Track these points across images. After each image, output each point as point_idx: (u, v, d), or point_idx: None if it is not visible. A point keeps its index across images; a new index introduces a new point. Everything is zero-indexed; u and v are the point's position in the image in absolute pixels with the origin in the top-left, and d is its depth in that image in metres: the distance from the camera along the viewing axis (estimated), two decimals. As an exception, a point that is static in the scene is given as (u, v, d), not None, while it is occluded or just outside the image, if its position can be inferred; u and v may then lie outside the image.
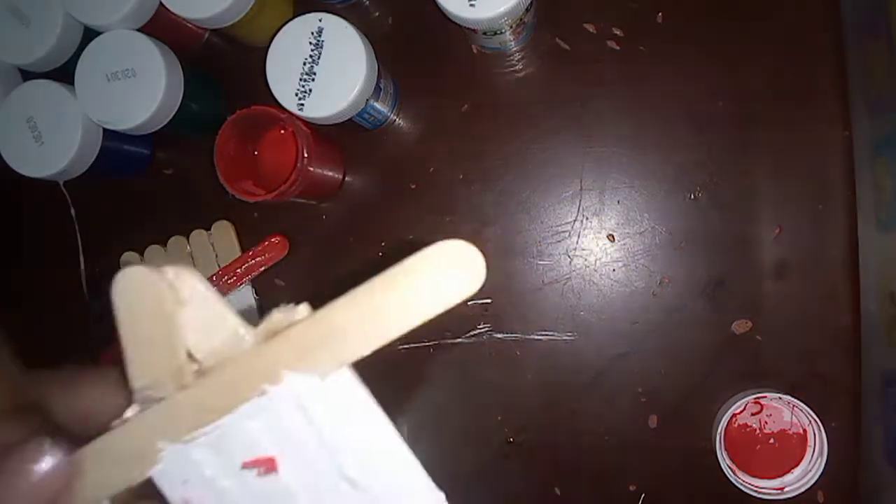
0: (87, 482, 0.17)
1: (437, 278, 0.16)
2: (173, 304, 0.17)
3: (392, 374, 0.49)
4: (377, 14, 0.52)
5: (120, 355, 0.18)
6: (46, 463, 0.17)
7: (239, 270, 0.51)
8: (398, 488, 0.17)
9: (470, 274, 0.16)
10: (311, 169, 0.45)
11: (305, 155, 0.44)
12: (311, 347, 0.16)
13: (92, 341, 0.53)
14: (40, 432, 0.17)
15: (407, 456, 0.17)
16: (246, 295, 0.52)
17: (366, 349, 0.16)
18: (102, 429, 0.18)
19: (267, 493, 0.17)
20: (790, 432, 0.45)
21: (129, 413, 0.18)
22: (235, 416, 0.17)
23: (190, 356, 0.17)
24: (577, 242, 0.49)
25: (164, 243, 0.53)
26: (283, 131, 0.49)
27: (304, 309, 0.17)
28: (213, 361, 0.17)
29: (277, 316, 0.17)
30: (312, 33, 0.43)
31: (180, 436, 0.17)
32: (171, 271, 0.17)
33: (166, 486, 0.18)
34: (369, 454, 0.17)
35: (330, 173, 0.50)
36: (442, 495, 0.17)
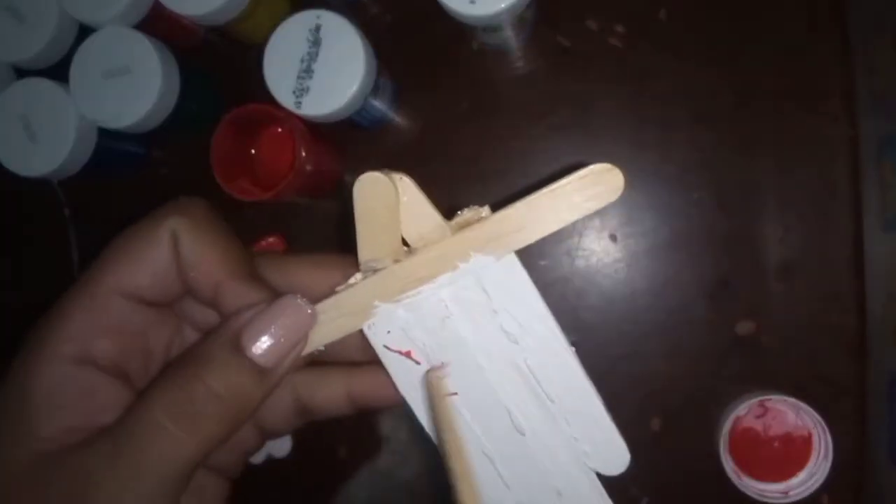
0: (315, 330, 0.23)
1: (584, 191, 0.23)
2: (396, 201, 0.22)
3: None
4: (376, 11, 0.51)
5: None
6: (300, 312, 0.23)
7: (236, 271, 0.51)
8: (543, 342, 0.24)
9: (610, 189, 0.23)
10: (309, 168, 0.45)
11: (303, 154, 0.43)
12: (492, 237, 0.23)
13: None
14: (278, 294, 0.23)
15: (547, 317, 0.23)
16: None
17: (529, 240, 0.23)
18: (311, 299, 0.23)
19: (446, 339, 0.24)
20: (795, 435, 0.44)
21: (353, 280, 0.24)
22: (432, 286, 0.23)
23: (403, 240, 0.23)
24: (578, 243, 0.48)
25: (160, 243, 0.52)
26: (279, 129, 0.49)
27: (487, 210, 0.23)
28: (420, 244, 0.23)
29: (468, 214, 0.23)
30: (310, 30, 0.42)
31: (391, 297, 0.23)
32: (396, 176, 0.23)
33: (372, 336, 0.24)
34: (522, 314, 0.23)
35: (328, 172, 0.49)
36: (572, 349, 0.24)
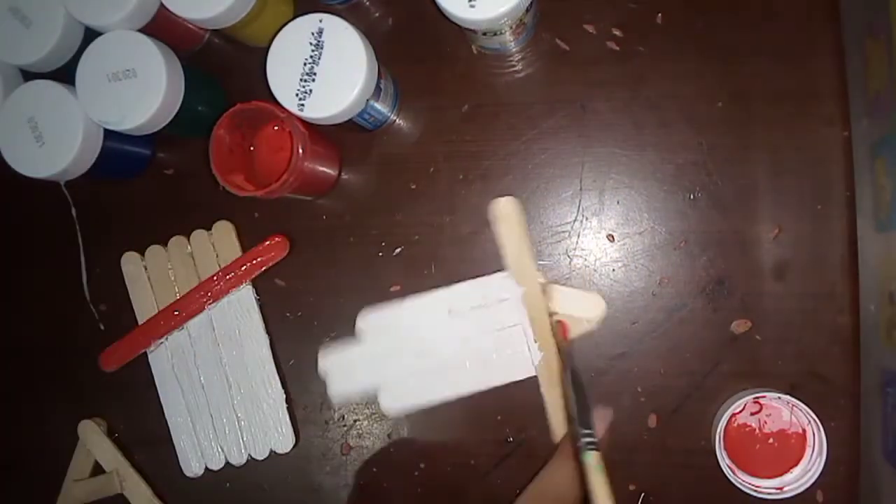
0: None
1: None
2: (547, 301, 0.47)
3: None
4: (377, 14, 0.52)
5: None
6: None
7: (239, 270, 0.51)
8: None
9: None
10: (306, 165, 0.45)
11: (300, 153, 0.44)
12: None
13: (91, 340, 0.54)
14: None
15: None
16: (246, 295, 0.52)
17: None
18: None
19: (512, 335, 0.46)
20: (789, 432, 0.45)
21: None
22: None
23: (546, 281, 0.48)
24: (576, 242, 0.49)
25: (164, 243, 0.53)
26: (278, 128, 0.49)
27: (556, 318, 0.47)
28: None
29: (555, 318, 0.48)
30: (313, 34, 0.43)
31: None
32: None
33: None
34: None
35: (325, 170, 0.50)
36: None
